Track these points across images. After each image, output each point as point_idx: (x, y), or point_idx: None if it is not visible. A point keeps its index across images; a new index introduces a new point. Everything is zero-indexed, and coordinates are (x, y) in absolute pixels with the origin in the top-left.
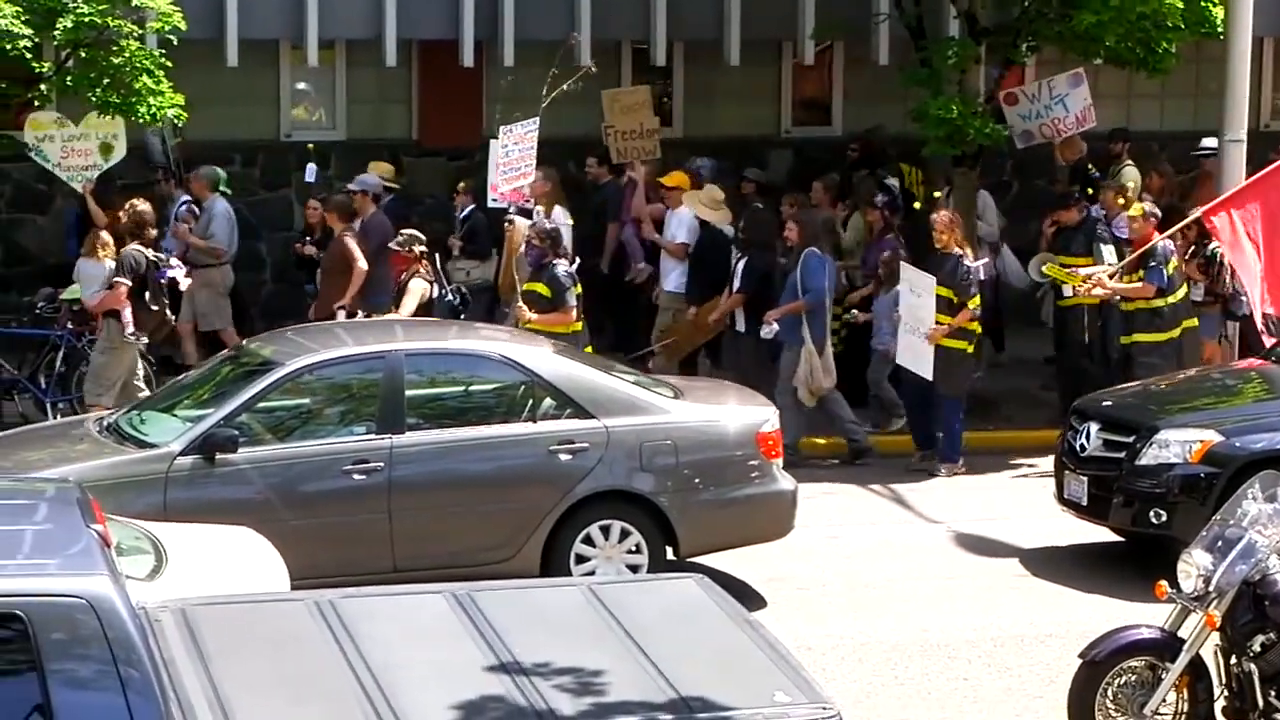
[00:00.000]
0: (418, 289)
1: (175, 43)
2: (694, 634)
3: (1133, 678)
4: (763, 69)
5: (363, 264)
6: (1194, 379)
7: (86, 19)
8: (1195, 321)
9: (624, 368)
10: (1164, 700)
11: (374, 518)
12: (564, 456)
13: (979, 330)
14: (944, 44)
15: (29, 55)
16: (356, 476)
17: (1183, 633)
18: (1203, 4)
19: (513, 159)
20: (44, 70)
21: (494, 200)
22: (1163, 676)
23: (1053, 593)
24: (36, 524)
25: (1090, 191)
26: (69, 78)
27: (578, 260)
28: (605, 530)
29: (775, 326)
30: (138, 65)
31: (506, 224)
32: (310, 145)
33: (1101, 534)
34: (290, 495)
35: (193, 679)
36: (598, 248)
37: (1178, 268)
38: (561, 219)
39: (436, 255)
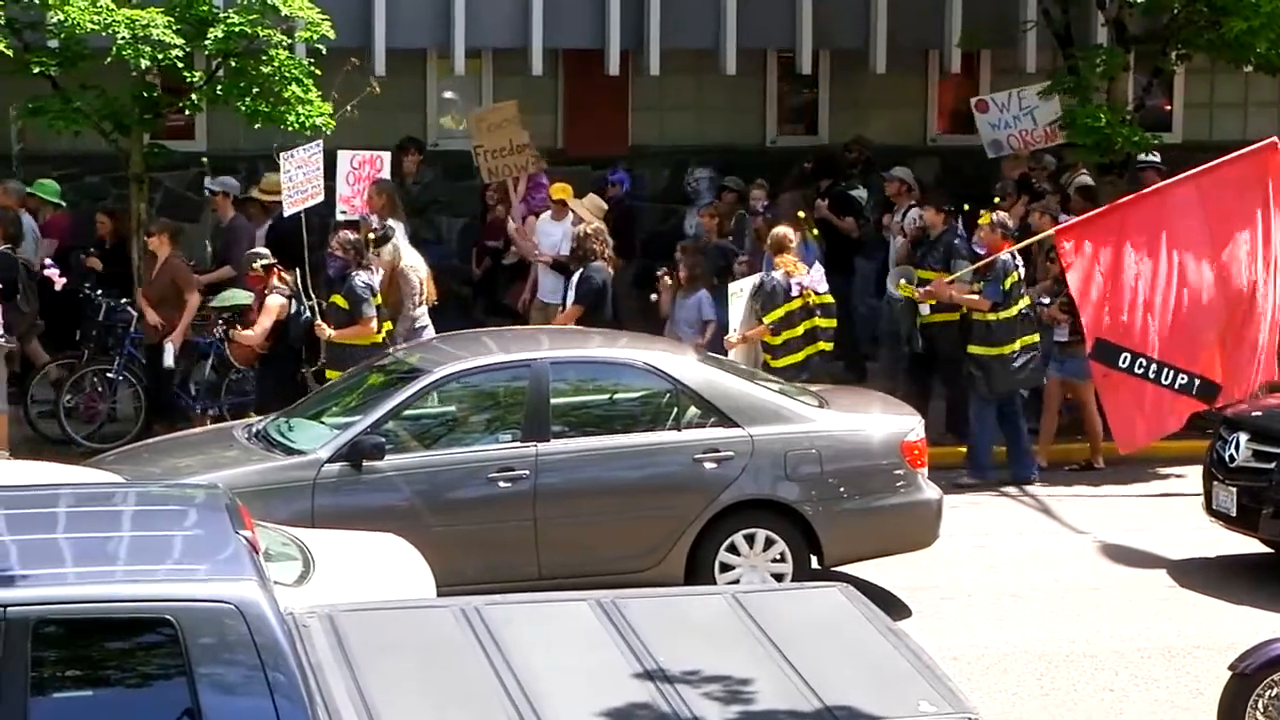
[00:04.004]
0: (274, 305)
1: (324, 52)
2: (839, 643)
3: None
4: (909, 77)
5: (195, 297)
6: None
7: (237, 29)
8: (1037, 338)
9: (768, 376)
10: None
11: (519, 525)
12: (709, 465)
13: (773, 343)
14: (1092, 52)
15: (180, 65)
16: (502, 484)
17: None
18: None
19: (298, 182)
20: (195, 80)
21: (343, 212)
22: None
23: (1201, 604)
24: (186, 530)
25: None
26: (219, 87)
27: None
28: (750, 539)
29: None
30: (287, 74)
31: (372, 243)
32: (204, 159)
33: (1251, 545)
34: (436, 502)
35: (339, 684)
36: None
37: (1017, 283)
38: (399, 231)
39: (297, 270)
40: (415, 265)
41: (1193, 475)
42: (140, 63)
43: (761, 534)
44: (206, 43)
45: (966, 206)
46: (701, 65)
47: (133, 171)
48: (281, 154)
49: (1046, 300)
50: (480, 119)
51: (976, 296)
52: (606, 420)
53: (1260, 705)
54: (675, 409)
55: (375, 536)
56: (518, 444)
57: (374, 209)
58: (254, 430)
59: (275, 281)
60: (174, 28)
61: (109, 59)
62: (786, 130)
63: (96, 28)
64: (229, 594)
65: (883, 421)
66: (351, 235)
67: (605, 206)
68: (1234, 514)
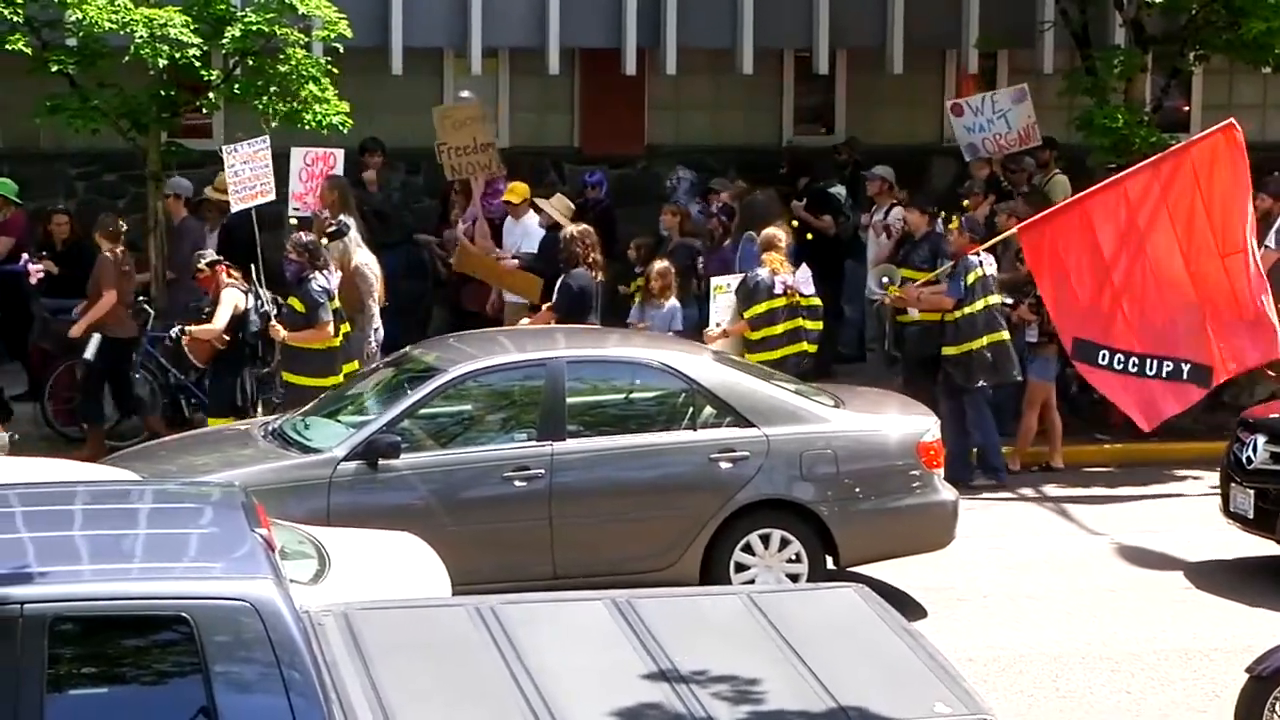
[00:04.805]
0: (230, 299)
1: (341, 51)
2: (854, 644)
3: None
4: (926, 77)
5: (110, 294)
6: None
7: (254, 28)
8: (1005, 335)
9: (784, 376)
10: None
11: (535, 524)
12: (724, 465)
13: (751, 338)
14: (1109, 52)
15: (198, 64)
16: (518, 483)
17: None
18: None
19: (244, 178)
20: (212, 78)
21: (296, 209)
22: None
23: (1218, 606)
24: (202, 528)
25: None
26: (236, 86)
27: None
28: (765, 539)
29: None
30: (304, 73)
31: (326, 240)
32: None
33: (1268, 547)
34: (452, 501)
35: (355, 682)
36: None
37: (980, 279)
38: (353, 227)
39: (253, 267)
40: (369, 262)
41: (1210, 477)
42: (158, 61)
43: (777, 534)
44: (224, 41)
45: (942, 214)
46: (718, 64)
47: (150, 170)
48: (225, 148)
49: (1010, 302)
50: (445, 115)
51: (940, 296)
52: (622, 420)
53: (1277, 708)
54: (691, 409)
55: (391, 535)
56: (533, 443)
57: (326, 205)
58: (270, 428)
59: (225, 278)
60: (192, 26)
61: (127, 58)
62: (803, 130)
63: (115, 26)
64: (245, 592)
65: (898, 422)
66: (305, 237)
67: (573, 206)
68: (1251, 516)
